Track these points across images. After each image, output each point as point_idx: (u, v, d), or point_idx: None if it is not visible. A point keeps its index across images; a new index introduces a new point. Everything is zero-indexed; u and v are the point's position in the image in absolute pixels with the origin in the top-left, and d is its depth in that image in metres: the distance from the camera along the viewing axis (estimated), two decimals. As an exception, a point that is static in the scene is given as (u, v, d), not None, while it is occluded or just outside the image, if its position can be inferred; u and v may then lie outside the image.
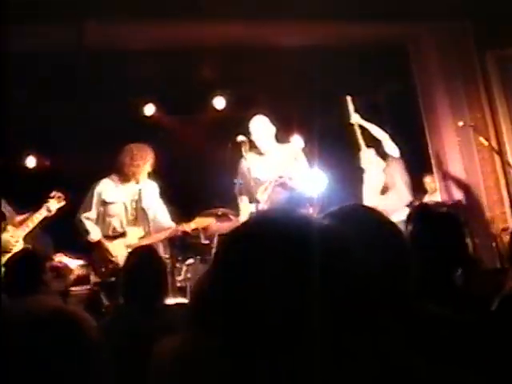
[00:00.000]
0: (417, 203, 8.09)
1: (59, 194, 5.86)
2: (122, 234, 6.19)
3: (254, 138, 6.00)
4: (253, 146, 5.99)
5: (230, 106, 9.70)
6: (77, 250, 6.61)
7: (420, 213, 2.97)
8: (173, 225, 6.40)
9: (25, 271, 3.53)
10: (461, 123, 7.47)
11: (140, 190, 6.32)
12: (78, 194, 6.72)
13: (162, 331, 2.84)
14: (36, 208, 5.98)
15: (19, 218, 5.61)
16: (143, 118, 9.46)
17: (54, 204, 5.85)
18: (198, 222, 6.37)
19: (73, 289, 6.23)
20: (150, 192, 6.38)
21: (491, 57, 8.49)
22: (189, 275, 7.89)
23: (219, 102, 9.67)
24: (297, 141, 9.99)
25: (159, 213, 6.37)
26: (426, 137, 8.82)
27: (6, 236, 5.29)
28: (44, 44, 7.30)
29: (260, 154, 6.01)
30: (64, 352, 1.70)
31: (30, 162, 9.56)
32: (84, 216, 6.15)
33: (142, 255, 3.42)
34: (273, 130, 6.15)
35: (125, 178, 6.24)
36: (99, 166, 7.51)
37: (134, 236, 6.20)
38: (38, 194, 8.70)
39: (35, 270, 3.55)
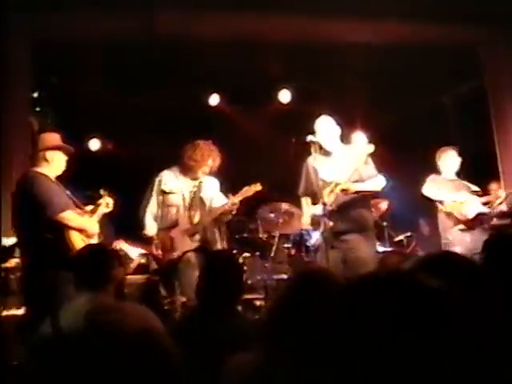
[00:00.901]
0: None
1: (107, 200, 5.62)
2: (176, 223, 6.18)
3: (319, 138, 5.89)
4: (319, 147, 5.89)
5: (295, 99, 9.62)
6: (137, 239, 6.64)
7: (498, 241, 2.86)
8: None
9: (95, 266, 3.53)
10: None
11: (200, 182, 6.31)
12: (139, 180, 6.75)
13: (235, 337, 2.85)
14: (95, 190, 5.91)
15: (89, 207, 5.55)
16: (208, 108, 9.46)
17: (110, 202, 5.62)
18: (245, 192, 6.28)
19: (131, 277, 6.26)
20: (210, 185, 6.36)
21: None
22: (245, 267, 7.90)
23: (284, 96, 9.62)
24: (360, 138, 9.92)
25: (217, 201, 6.33)
26: (494, 142, 8.61)
27: (92, 220, 5.28)
28: (114, 32, 7.37)
29: (325, 154, 5.92)
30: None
31: (94, 144, 9.68)
32: (147, 210, 6.17)
33: (224, 260, 3.40)
34: (338, 130, 6.06)
35: (187, 171, 6.23)
36: (161, 154, 7.56)
37: (188, 221, 6.19)
38: (98, 176, 8.84)
39: (105, 266, 3.55)
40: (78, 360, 2.36)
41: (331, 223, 5.43)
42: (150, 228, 6.15)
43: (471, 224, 6.85)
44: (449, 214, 6.95)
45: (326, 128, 5.93)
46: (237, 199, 6.21)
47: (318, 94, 9.65)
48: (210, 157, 6.20)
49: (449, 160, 7.28)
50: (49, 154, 5.14)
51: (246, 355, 2.29)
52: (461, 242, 6.72)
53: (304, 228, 5.93)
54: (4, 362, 4.40)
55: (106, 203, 5.36)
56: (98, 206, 5.33)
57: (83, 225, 5.12)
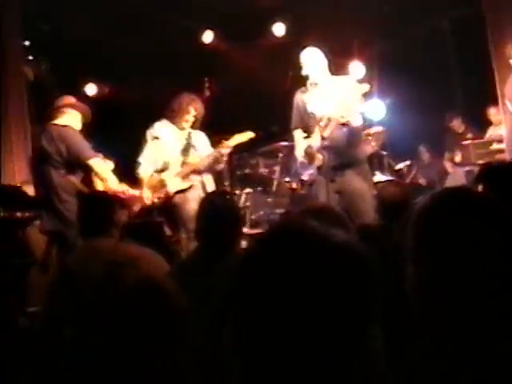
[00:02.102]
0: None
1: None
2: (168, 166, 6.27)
3: (306, 71, 5.83)
4: (306, 79, 5.84)
5: (289, 32, 9.51)
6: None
7: (489, 171, 2.88)
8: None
9: (97, 212, 3.59)
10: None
11: (190, 132, 6.34)
12: (138, 122, 6.78)
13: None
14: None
15: None
16: (202, 45, 9.37)
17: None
18: (236, 139, 6.32)
19: (136, 220, 6.32)
20: (199, 138, 6.39)
21: None
22: (248, 203, 7.99)
23: (279, 29, 9.50)
24: (357, 67, 9.85)
25: (207, 150, 6.37)
26: (492, 67, 8.53)
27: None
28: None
29: (314, 87, 5.84)
30: (152, 323, 1.77)
31: (91, 89, 9.63)
32: (141, 155, 6.28)
33: (220, 201, 3.43)
34: (325, 62, 5.93)
35: (172, 122, 6.28)
36: (159, 95, 7.53)
37: (181, 164, 6.27)
38: (96, 121, 8.83)
39: (108, 212, 3.61)
40: (94, 308, 2.44)
41: (322, 159, 5.47)
42: (144, 171, 6.26)
43: None
44: None
45: (311, 60, 5.83)
46: (227, 146, 6.26)
47: (313, 25, 9.53)
48: (190, 106, 6.24)
49: None
50: (68, 111, 5.61)
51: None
52: None
53: (299, 161, 5.91)
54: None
55: None
56: None
57: (107, 175, 5.57)
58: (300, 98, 5.94)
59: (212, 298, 2.81)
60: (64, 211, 5.33)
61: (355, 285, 1.15)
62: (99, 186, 5.50)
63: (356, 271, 1.16)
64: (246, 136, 6.36)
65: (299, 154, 5.89)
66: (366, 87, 5.52)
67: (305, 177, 5.83)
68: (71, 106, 5.68)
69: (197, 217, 3.46)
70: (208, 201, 3.61)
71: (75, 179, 5.43)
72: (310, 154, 5.72)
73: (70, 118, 5.60)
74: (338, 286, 1.13)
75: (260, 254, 1.22)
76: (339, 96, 5.62)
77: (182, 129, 6.32)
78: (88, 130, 6.04)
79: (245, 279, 1.22)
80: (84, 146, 5.46)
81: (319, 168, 5.61)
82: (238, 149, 7.67)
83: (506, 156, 6.89)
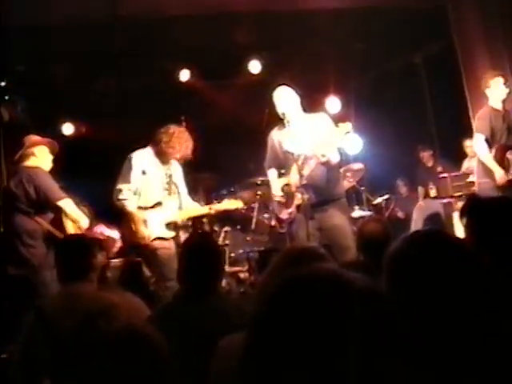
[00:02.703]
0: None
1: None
2: (158, 204, 6.12)
3: (278, 110, 5.83)
4: (281, 118, 5.83)
5: (265, 69, 9.58)
6: (114, 221, 6.62)
7: (473, 205, 2.91)
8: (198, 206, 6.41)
9: (76, 257, 3.55)
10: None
11: (171, 167, 6.25)
12: (114, 161, 6.71)
13: (219, 319, 2.89)
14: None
15: None
16: (179, 84, 9.39)
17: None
18: (225, 205, 6.38)
19: (114, 260, 6.26)
20: (177, 171, 6.33)
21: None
22: (227, 241, 7.98)
23: (254, 66, 9.56)
24: (333, 102, 9.93)
25: (185, 191, 6.33)
26: (466, 100, 8.65)
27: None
28: (77, 14, 7.24)
29: (288, 126, 5.82)
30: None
31: (68, 129, 9.59)
32: (124, 186, 6.01)
33: (203, 243, 3.43)
34: (297, 100, 5.92)
35: (160, 155, 6.14)
36: (136, 134, 7.51)
37: (171, 208, 6.14)
38: (73, 162, 8.78)
39: (86, 256, 3.56)
40: (71, 357, 2.38)
41: (307, 196, 5.45)
42: (132, 203, 5.97)
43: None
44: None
45: (284, 99, 5.84)
46: (214, 209, 6.28)
47: (288, 61, 9.62)
48: (186, 143, 6.16)
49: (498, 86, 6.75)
50: (36, 150, 5.63)
51: (239, 336, 2.33)
52: None
53: (275, 200, 5.90)
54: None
55: None
56: None
57: (78, 215, 5.56)
58: (275, 136, 5.94)
59: (196, 339, 2.78)
60: (27, 255, 5.28)
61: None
62: (70, 227, 5.46)
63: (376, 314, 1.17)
64: (236, 204, 6.40)
65: (276, 193, 5.88)
66: (348, 126, 5.54)
67: (284, 215, 5.81)
68: (38, 143, 5.68)
69: (180, 258, 3.45)
70: (191, 242, 3.60)
71: (44, 222, 5.39)
72: (288, 193, 5.72)
73: (40, 159, 5.60)
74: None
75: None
76: (316, 134, 5.64)
77: (166, 163, 6.23)
78: (64, 169, 6.00)
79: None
80: (53, 187, 5.45)
81: (298, 206, 5.60)
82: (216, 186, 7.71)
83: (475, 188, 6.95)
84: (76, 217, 5.50)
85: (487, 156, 6.56)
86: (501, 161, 6.40)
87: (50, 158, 5.72)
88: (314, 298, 1.18)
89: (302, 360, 1.13)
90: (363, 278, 1.23)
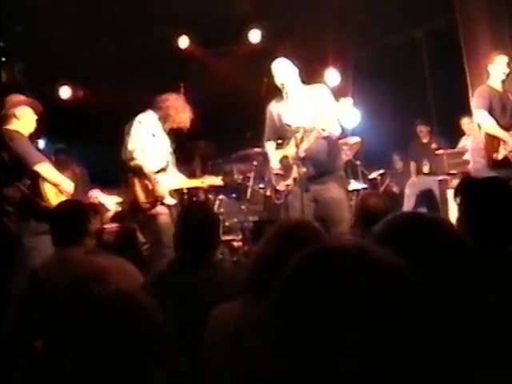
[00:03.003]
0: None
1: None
2: (163, 169, 6.14)
3: (277, 81, 5.82)
4: (281, 89, 5.81)
5: (265, 39, 9.52)
6: (111, 185, 6.60)
7: (468, 185, 2.95)
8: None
9: (70, 222, 3.57)
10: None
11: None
12: (113, 127, 6.70)
13: (216, 284, 2.93)
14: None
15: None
16: (178, 50, 9.33)
17: None
18: (206, 181, 6.43)
19: (109, 226, 6.28)
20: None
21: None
22: (221, 210, 8.00)
23: (254, 35, 9.50)
24: (332, 74, 9.90)
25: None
26: (466, 78, 8.63)
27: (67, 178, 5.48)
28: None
29: (286, 98, 5.82)
30: (130, 338, 1.75)
31: (65, 92, 9.54)
32: (137, 146, 5.91)
33: (197, 211, 3.46)
34: (295, 71, 5.91)
35: (162, 120, 6.15)
36: (134, 100, 7.49)
37: (173, 174, 6.18)
38: (70, 125, 8.77)
39: (81, 221, 3.59)
40: (65, 321, 2.42)
41: (304, 169, 5.46)
42: (146, 163, 5.96)
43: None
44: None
45: (282, 71, 5.82)
46: (193, 184, 6.31)
47: (289, 32, 9.56)
48: (183, 112, 6.18)
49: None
50: (18, 112, 5.35)
51: (231, 305, 2.36)
52: None
53: (273, 172, 5.90)
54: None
55: None
56: None
57: (58, 179, 5.34)
58: (274, 108, 5.91)
59: (189, 307, 2.82)
60: (7, 223, 5.17)
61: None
62: (49, 192, 5.23)
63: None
64: (214, 182, 6.50)
65: (274, 165, 5.88)
66: (349, 101, 5.52)
67: (281, 187, 5.82)
68: (19, 103, 5.43)
69: (176, 227, 3.48)
70: (187, 212, 3.62)
71: (23, 187, 5.19)
72: (286, 165, 5.72)
73: (22, 121, 5.35)
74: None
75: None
76: (315, 106, 5.63)
77: (166, 129, 6.22)
78: (61, 132, 5.99)
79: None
80: (29, 151, 5.22)
81: (295, 179, 5.62)
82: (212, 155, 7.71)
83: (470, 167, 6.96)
84: (57, 181, 5.29)
85: (495, 127, 6.52)
86: (492, 141, 6.41)
87: (34, 118, 5.45)
88: (340, 272, 1.19)
89: (327, 332, 1.15)
90: (389, 253, 1.25)
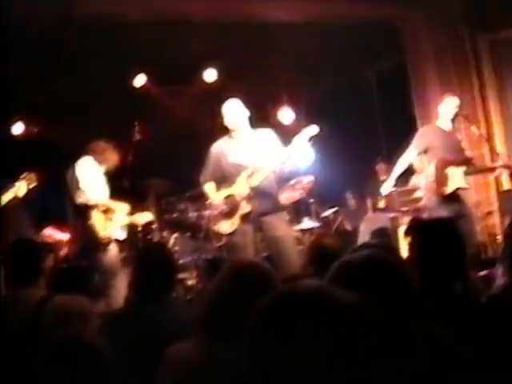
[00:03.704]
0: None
1: (30, 176, 5.82)
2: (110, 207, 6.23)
3: (227, 122, 5.92)
4: (229, 130, 5.91)
5: (220, 78, 9.62)
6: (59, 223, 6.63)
7: (417, 225, 3.07)
8: None
9: (25, 261, 3.53)
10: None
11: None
12: (64, 163, 6.70)
13: (173, 324, 2.94)
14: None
15: None
16: (134, 89, 9.35)
17: (23, 187, 5.80)
18: (137, 218, 6.56)
19: (63, 266, 6.24)
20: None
21: (483, 40, 8.53)
22: (176, 248, 8.00)
23: (210, 75, 9.60)
24: (286, 113, 10.06)
25: None
26: (415, 117, 8.87)
27: None
28: (34, 15, 7.18)
29: (235, 138, 5.90)
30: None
31: (18, 128, 9.44)
32: (86, 186, 6.09)
33: (155, 251, 3.49)
34: (246, 114, 5.99)
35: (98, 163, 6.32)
36: (87, 137, 7.49)
37: (121, 211, 6.29)
38: (23, 162, 8.64)
39: (35, 260, 3.56)
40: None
41: (250, 207, 5.55)
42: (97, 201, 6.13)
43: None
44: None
45: (232, 112, 5.91)
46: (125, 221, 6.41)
47: (243, 71, 9.69)
48: (112, 157, 6.42)
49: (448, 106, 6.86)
50: None
51: (185, 344, 2.38)
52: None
53: (216, 212, 5.93)
54: None
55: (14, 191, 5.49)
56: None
57: None
58: (219, 148, 5.98)
59: (145, 346, 2.83)
60: None
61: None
62: None
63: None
64: (146, 218, 6.68)
65: (217, 201, 5.90)
66: (314, 129, 5.64)
67: (223, 228, 5.82)
68: None
69: (132, 266, 3.49)
70: (144, 250, 3.64)
71: None
72: (232, 204, 5.75)
73: None
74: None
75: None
76: (264, 147, 5.75)
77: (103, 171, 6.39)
78: (14, 170, 5.94)
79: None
80: None
81: (243, 216, 5.66)
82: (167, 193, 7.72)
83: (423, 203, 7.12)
84: None
85: (397, 167, 6.93)
86: (440, 175, 6.58)
87: None
88: (304, 315, 1.25)
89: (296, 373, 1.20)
90: (351, 294, 1.32)
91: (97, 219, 5.96)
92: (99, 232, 5.95)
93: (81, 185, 6.03)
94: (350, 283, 1.69)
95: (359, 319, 1.27)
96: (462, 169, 6.57)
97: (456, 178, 6.53)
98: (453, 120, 6.79)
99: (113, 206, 6.12)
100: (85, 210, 6.02)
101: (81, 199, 6.00)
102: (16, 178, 5.80)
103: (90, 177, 6.14)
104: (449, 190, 6.49)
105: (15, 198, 5.66)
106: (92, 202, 6.01)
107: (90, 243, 6.02)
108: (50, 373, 1.81)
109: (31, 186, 5.81)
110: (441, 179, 6.59)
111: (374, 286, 1.78)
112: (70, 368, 1.78)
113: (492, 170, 6.94)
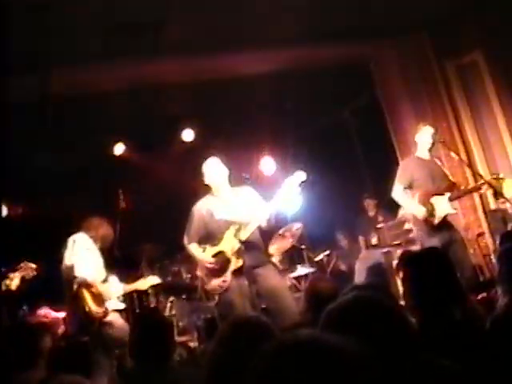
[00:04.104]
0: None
1: (27, 266, 5.75)
2: (106, 280, 6.22)
3: (208, 181, 5.98)
4: (210, 188, 6.00)
5: (198, 136, 9.71)
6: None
7: (407, 259, 3.10)
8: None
9: (22, 345, 3.50)
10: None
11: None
12: (52, 241, 6.69)
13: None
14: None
15: None
16: (114, 158, 9.40)
17: (16, 280, 5.71)
18: (139, 285, 6.59)
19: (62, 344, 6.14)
20: None
21: (450, 65, 8.68)
22: (173, 312, 7.95)
23: (187, 135, 9.69)
24: (268, 162, 10.12)
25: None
26: (394, 149, 8.95)
27: None
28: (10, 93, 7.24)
29: (217, 195, 5.97)
30: None
31: (2, 210, 9.41)
32: (79, 262, 6.10)
33: (151, 318, 3.49)
34: (225, 171, 6.02)
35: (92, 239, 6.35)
36: (72, 210, 7.50)
37: (115, 282, 6.27)
38: (8, 244, 8.59)
39: (33, 343, 3.53)
40: None
41: (241, 261, 5.58)
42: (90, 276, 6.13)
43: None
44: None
45: (212, 171, 5.98)
46: (128, 289, 6.40)
47: (220, 127, 9.77)
48: (104, 232, 6.43)
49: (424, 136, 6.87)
50: None
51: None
52: None
53: (205, 271, 5.93)
54: None
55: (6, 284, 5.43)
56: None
57: None
58: (203, 206, 6.02)
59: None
60: None
61: None
62: None
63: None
64: (150, 283, 6.68)
65: (208, 260, 5.89)
66: (302, 175, 5.68)
67: (215, 285, 5.81)
68: None
69: (130, 334, 3.48)
70: (141, 318, 3.63)
71: None
72: (222, 261, 5.75)
73: None
74: None
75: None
76: (246, 202, 5.82)
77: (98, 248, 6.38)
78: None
79: None
80: None
81: (236, 272, 5.67)
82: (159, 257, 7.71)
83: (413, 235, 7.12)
84: None
85: (405, 201, 6.77)
86: (424, 206, 6.61)
87: None
88: (300, 365, 1.27)
89: None
90: (347, 342, 1.34)
91: (89, 295, 5.94)
92: (92, 307, 5.91)
93: (67, 261, 6.04)
94: (341, 327, 1.71)
95: (354, 365, 1.27)
96: (447, 195, 6.60)
97: (441, 205, 6.56)
98: (430, 149, 6.85)
99: (103, 289, 6.07)
100: (78, 287, 6.00)
101: (77, 278, 5.98)
102: (10, 266, 5.73)
103: (85, 255, 6.13)
104: (437, 219, 6.52)
105: (6, 291, 5.56)
106: (88, 281, 6.00)
107: (87, 319, 5.97)
108: None
109: (28, 278, 5.73)
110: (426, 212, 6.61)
111: (363, 326, 1.80)
112: None
113: (476, 189, 6.95)
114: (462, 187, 7.09)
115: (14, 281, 5.48)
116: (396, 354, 1.76)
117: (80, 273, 5.98)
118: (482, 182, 6.68)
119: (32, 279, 5.93)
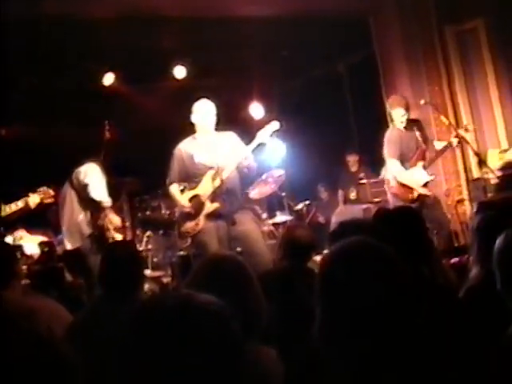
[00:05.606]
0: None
1: (47, 191, 5.69)
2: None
3: (195, 119, 5.96)
4: (194, 128, 5.98)
5: (190, 75, 9.61)
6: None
7: (381, 216, 3.14)
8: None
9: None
10: (422, 101, 7.31)
11: None
12: (36, 163, 6.68)
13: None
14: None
15: None
16: (103, 87, 9.29)
17: (36, 199, 5.63)
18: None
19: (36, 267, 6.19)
20: None
21: (450, 30, 8.61)
22: (149, 246, 8.00)
23: (179, 72, 9.58)
24: (256, 108, 10.07)
25: None
26: (385, 109, 8.92)
27: None
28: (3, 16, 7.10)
29: (202, 138, 5.95)
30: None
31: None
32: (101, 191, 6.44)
33: (122, 249, 3.51)
34: (213, 116, 5.96)
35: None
36: (58, 138, 7.45)
37: None
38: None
39: (8, 263, 3.53)
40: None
41: (215, 205, 5.66)
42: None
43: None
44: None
45: (200, 112, 5.96)
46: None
47: (213, 68, 9.69)
48: None
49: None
50: None
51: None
52: None
53: (182, 212, 5.98)
54: None
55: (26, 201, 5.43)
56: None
57: None
58: (184, 148, 6.03)
59: (115, 345, 2.82)
60: None
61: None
62: None
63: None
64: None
65: (184, 203, 5.92)
66: (276, 125, 5.70)
67: (186, 229, 5.88)
68: None
69: (99, 265, 3.51)
70: (109, 249, 3.65)
71: None
72: (197, 204, 5.79)
73: None
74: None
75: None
76: (228, 147, 5.84)
77: None
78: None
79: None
80: None
81: (208, 216, 5.71)
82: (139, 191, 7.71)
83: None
84: None
85: (406, 177, 6.71)
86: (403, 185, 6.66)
87: None
88: (165, 323, 1.34)
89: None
90: (216, 301, 1.38)
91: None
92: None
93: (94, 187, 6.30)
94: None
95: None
96: (420, 164, 6.64)
97: (418, 176, 6.60)
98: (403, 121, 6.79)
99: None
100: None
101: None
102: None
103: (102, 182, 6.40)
104: (415, 193, 6.57)
105: (25, 208, 5.52)
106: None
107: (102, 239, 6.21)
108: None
109: (46, 201, 5.69)
110: (405, 189, 6.66)
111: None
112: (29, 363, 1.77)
113: (447, 147, 6.87)
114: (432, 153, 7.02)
115: (33, 199, 5.45)
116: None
117: (104, 199, 6.32)
118: (454, 134, 6.70)
119: (50, 205, 5.92)
